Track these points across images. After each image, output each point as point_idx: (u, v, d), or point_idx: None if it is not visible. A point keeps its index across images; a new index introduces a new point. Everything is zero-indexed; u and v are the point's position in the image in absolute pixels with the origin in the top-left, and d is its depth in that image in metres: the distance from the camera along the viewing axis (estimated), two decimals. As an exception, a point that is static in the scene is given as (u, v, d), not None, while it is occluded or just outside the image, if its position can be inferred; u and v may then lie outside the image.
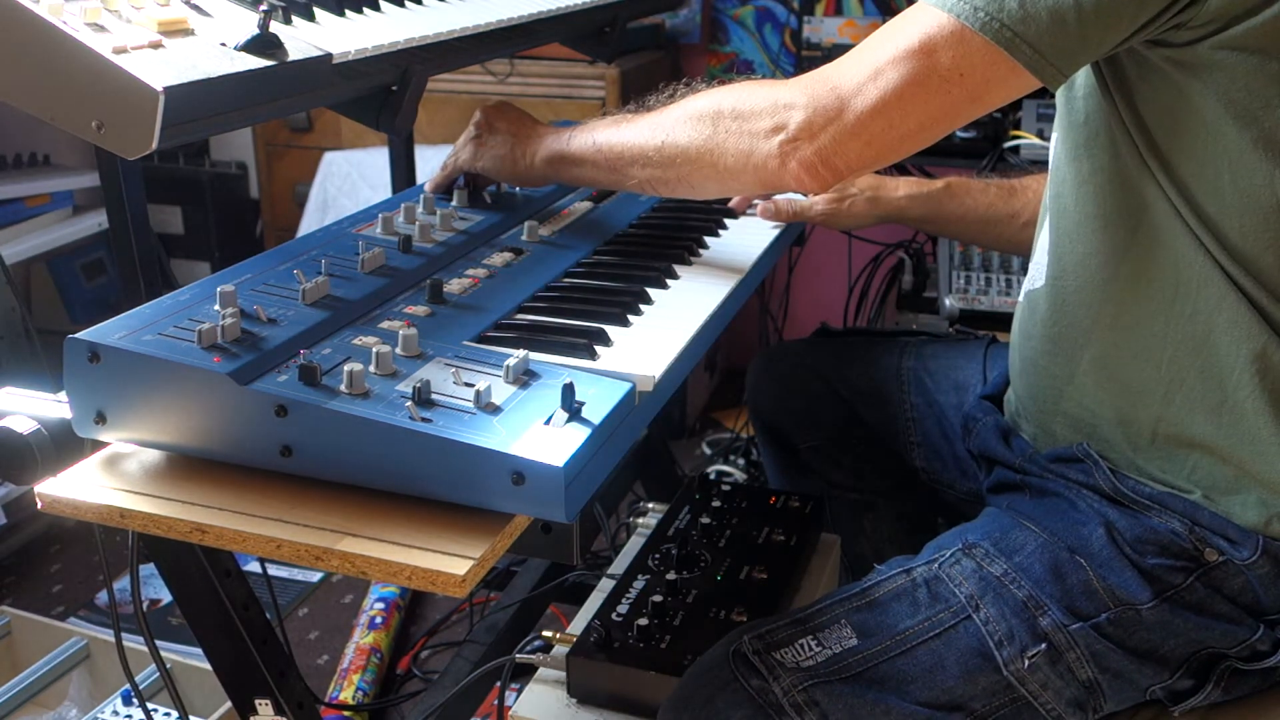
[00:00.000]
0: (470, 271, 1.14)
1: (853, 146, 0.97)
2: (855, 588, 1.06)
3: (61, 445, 0.90)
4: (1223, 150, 0.93)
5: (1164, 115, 0.95)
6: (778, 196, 1.42)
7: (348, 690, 1.90)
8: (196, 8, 0.96)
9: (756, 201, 1.46)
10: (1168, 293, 0.99)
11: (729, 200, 1.47)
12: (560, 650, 1.18)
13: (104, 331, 0.88)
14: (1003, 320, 1.72)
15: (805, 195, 1.48)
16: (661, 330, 1.05)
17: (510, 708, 1.19)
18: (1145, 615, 1.00)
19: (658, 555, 1.32)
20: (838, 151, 0.97)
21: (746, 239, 1.37)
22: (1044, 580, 1.01)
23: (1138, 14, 0.89)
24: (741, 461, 2.69)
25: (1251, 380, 0.97)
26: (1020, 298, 1.19)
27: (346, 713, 1.88)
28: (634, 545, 1.42)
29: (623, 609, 1.22)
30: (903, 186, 1.43)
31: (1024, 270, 1.79)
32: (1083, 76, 1.02)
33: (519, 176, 1.26)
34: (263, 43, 0.93)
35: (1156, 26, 0.91)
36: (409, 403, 0.83)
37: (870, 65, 0.95)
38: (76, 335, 0.86)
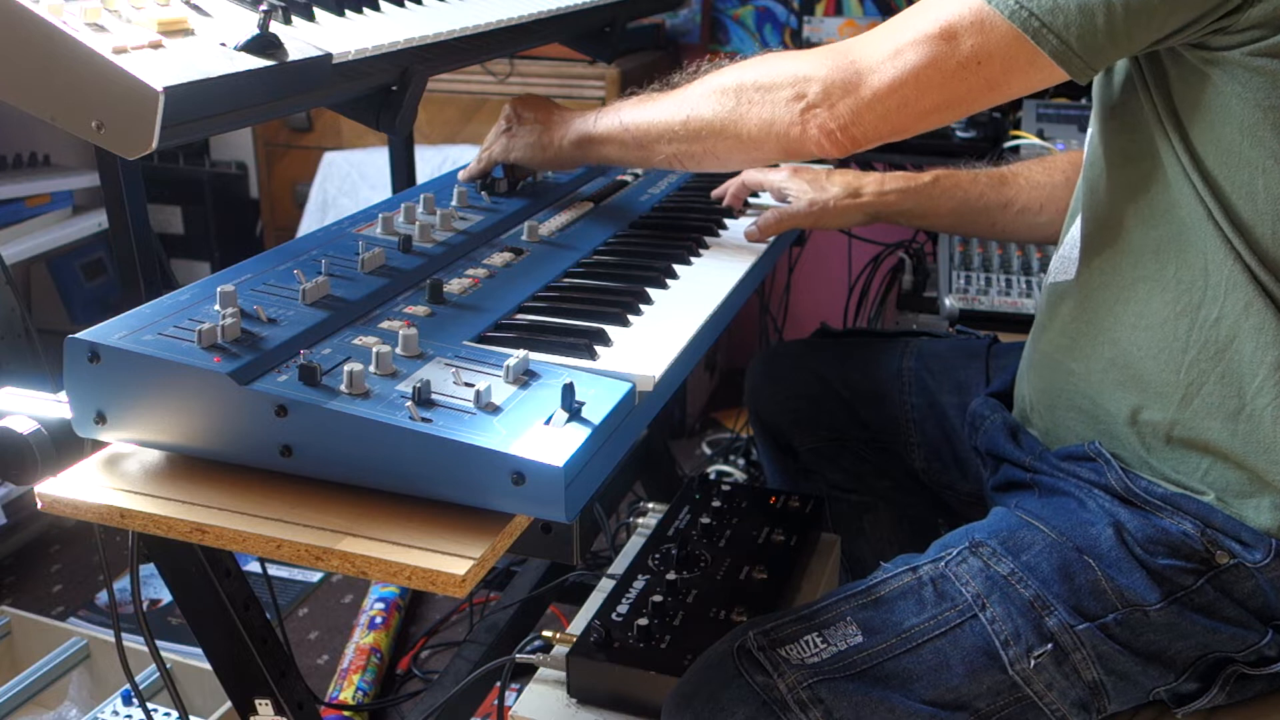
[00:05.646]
0: (470, 271, 1.14)
1: (868, 119, 1.00)
2: (861, 585, 1.06)
3: (61, 445, 0.90)
4: (1258, 155, 0.93)
5: (1200, 116, 0.95)
6: (763, 216, 1.39)
7: (348, 690, 1.90)
8: (196, 8, 0.96)
9: (751, 211, 1.45)
10: (1195, 295, 0.99)
11: (725, 200, 1.47)
12: (560, 650, 1.18)
13: (104, 331, 0.88)
14: (1003, 320, 1.72)
15: (793, 197, 1.46)
16: (661, 330, 1.05)
17: (510, 708, 1.19)
18: (1153, 617, 1.00)
19: (658, 555, 1.32)
20: (855, 121, 1.00)
21: (746, 239, 1.37)
22: (1051, 580, 1.01)
23: (1169, 18, 0.89)
24: (741, 461, 2.69)
25: (1274, 388, 0.97)
26: (1043, 289, 1.19)
27: (346, 713, 1.88)
28: (634, 545, 1.42)
29: (623, 609, 1.22)
30: (890, 182, 1.42)
31: (1025, 270, 1.80)
32: (1121, 71, 1.02)
33: (550, 161, 1.30)
34: (263, 43, 0.93)
35: (1193, 31, 0.91)
36: (409, 403, 0.83)
37: (892, 44, 0.97)
38: (76, 335, 0.86)
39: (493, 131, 1.37)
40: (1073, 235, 1.12)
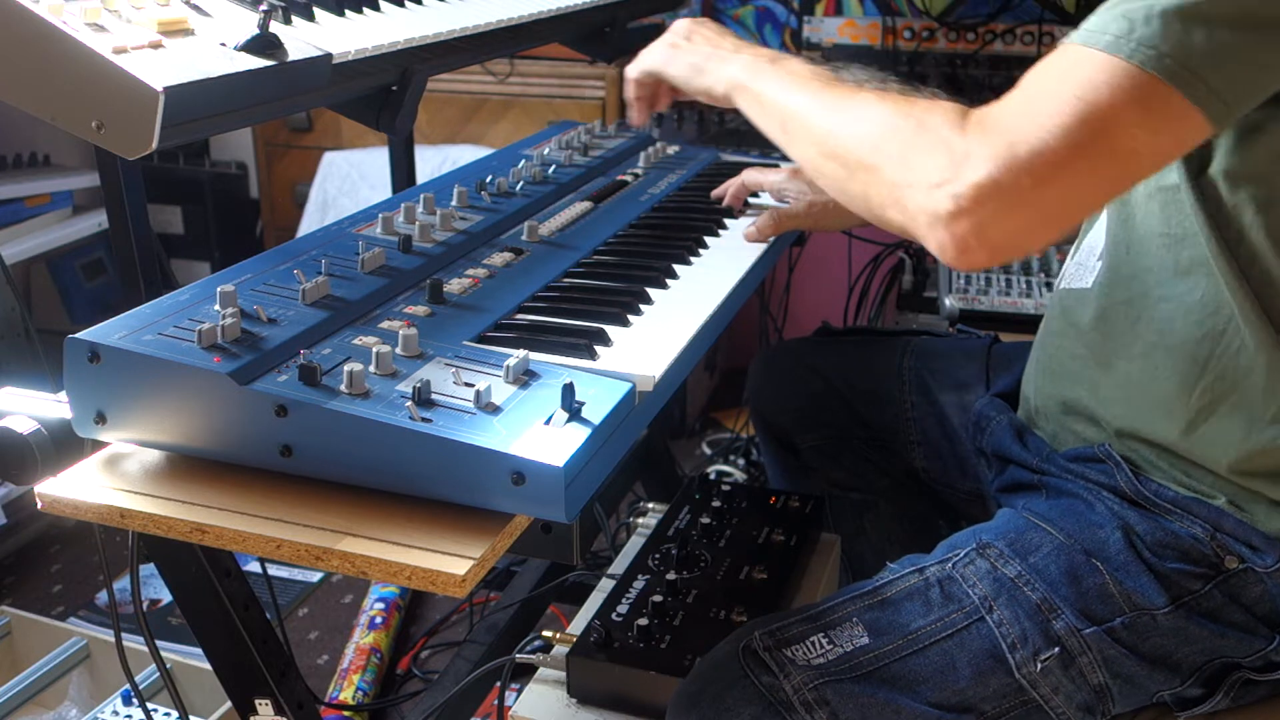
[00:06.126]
0: (470, 271, 1.14)
1: (1020, 220, 0.82)
2: (867, 585, 1.06)
3: (61, 445, 0.90)
4: None
5: (1266, 154, 0.91)
6: (762, 217, 1.37)
7: (348, 690, 1.90)
8: (196, 8, 0.96)
9: (751, 211, 1.45)
10: (1219, 323, 0.97)
11: (725, 200, 1.47)
12: (560, 650, 1.18)
13: (104, 331, 0.88)
14: (1003, 320, 1.72)
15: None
16: (661, 330, 1.05)
17: (510, 708, 1.19)
18: (1161, 621, 0.99)
19: (658, 555, 1.32)
20: (1003, 225, 0.82)
21: (746, 240, 1.37)
22: (1059, 583, 1.00)
23: None
24: (741, 461, 2.69)
25: None
26: (1054, 292, 1.18)
27: (346, 713, 1.88)
28: (634, 545, 1.41)
29: (623, 609, 1.22)
30: None
31: (1024, 270, 1.80)
32: None
33: (701, 90, 1.17)
34: (263, 43, 0.93)
35: None
36: (409, 403, 0.83)
37: (1054, 126, 0.81)
38: (76, 335, 0.86)
39: (653, 43, 1.24)
40: (1090, 242, 1.11)
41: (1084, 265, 1.11)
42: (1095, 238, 1.10)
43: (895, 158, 0.88)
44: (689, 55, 1.19)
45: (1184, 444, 1.01)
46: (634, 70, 1.25)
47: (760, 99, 1.07)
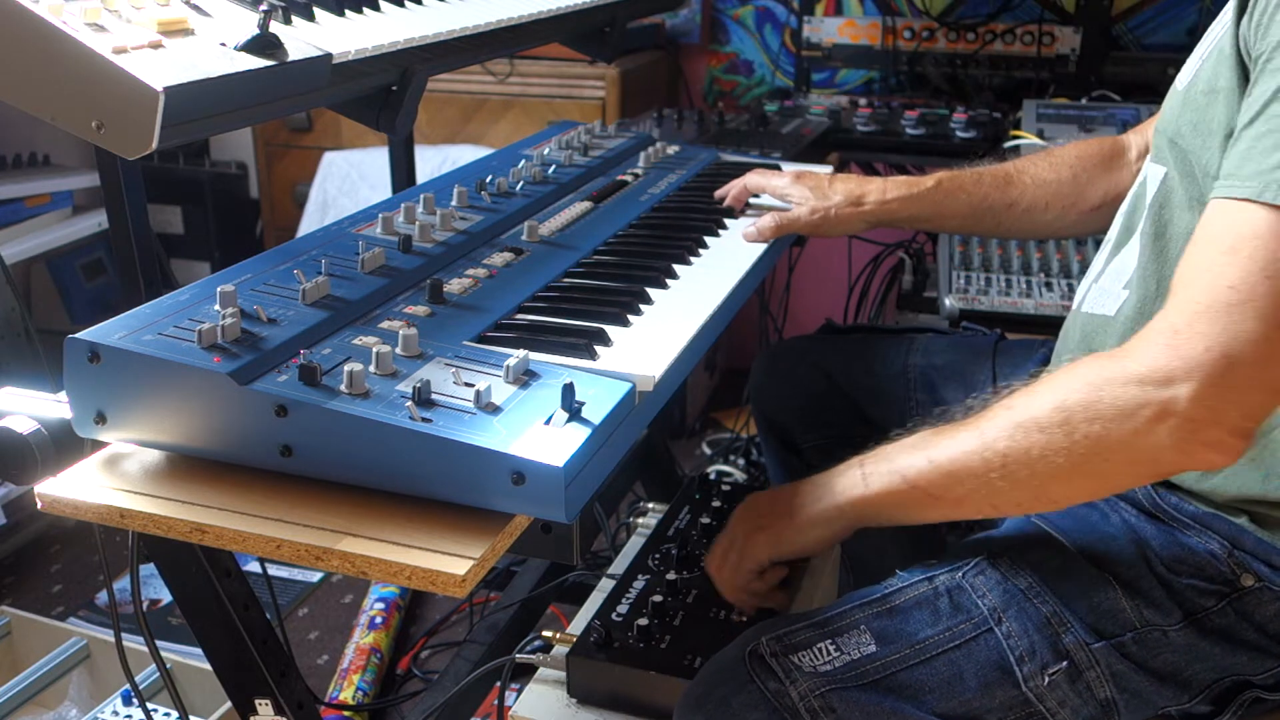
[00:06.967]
0: (470, 271, 1.14)
1: (1256, 400, 0.84)
2: (876, 592, 1.05)
3: (61, 445, 0.90)
4: None
5: None
6: (763, 219, 1.37)
7: (348, 690, 1.90)
8: (196, 8, 0.96)
9: (751, 212, 1.45)
10: None
11: (726, 201, 1.47)
12: (560, 650, 1.18)
13: (104, 331, 0.88)
14: (1003, 320, 1.72)
15: None
16: (661, 330, 1.05)
17: (510, 708, 1.19)
18: (1172, 637, 0.99)
19: (658, 555, 1.32)
20: (1246, 413, 0.84)
21: (745, 240, 1.37)
22: (1070, 596, 1.00)
23: None
24: (741, 461, 2.69)
25: None
26: (1074, 314, 1.16)
27: (346, 713, 1.88)
28: (634, 545, 1.41)
29: (623, 609, 1.22)
30: (892, 189, 1.39)
31: (1025, 269, 1.79)
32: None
33: (815, 544, 1.08)
34: (263, 43, 0.93)
35: None
36: (409, 403, 0.83)
37: (1242, 303, 0.82)
38: (76, 335, 0.86)
39: (722, 553, 1.16)
40: (1117, 268, 1.09)
41: (1108, 291, 1.10)
42: (1123, 264, 1.09)
43: (1094, 432, 0.87)
44: (773, 527, 1.10)
45: (1200, 485, 1.01)
46: (729, 593, 1.17)
47: (889, 495, 1.00)
